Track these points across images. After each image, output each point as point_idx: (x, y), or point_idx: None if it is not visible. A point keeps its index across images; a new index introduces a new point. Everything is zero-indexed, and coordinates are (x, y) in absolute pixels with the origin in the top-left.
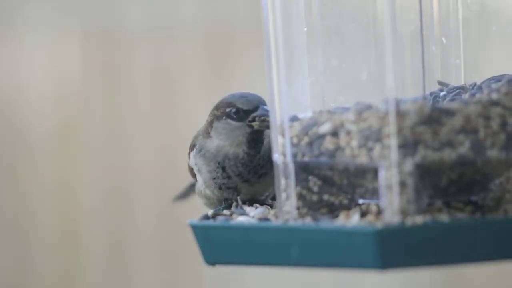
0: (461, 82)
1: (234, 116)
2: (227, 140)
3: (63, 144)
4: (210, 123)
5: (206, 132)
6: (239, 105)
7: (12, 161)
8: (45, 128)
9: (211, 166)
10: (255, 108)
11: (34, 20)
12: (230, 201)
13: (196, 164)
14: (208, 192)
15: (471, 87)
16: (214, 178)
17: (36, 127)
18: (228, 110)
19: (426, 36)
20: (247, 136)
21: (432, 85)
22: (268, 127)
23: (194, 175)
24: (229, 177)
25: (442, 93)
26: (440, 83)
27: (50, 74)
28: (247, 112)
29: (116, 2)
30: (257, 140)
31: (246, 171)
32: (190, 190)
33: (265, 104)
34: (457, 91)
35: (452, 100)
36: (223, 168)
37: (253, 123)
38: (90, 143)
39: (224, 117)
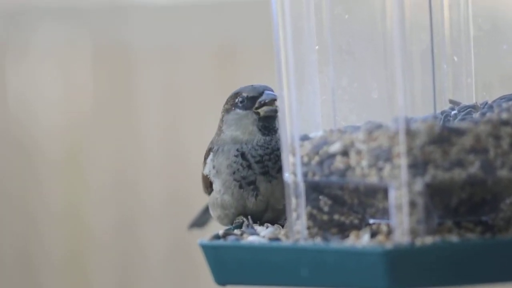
0: (473, 101)
1: (241, 105)
2: (238, 130)
3: (72, 167)
4: (221, 119)
5: (219, 129)
6: (244, 94)
7: (21, 185)
8: (54, 150)
9: (230, 158)
10: (260, 94)
11: (45, 38)
12: (241, 221)
13: (214, 167)
14: (226, 198)
15: (482, 106)
16: (234, 173)
17: (46, 148)
18: (236, 100)
19: (438, 54)
20: (256, 123)
21: (443, 104)
22: (276, 112)
23: (208, 187)
24: (249, 166)
25: (453, 112)
26: (451, 101)
27: (60, 92)
28: (253, 99)
29: (127, 19)
30: (267, 127)
31: (266, 155)
32: (205, 216)
33: (271, 90)
34: (468, 110)
35: (463, 119)
36: (243, 154)
37: (260, 110)
38: (99, 160)
39: (232, 108)
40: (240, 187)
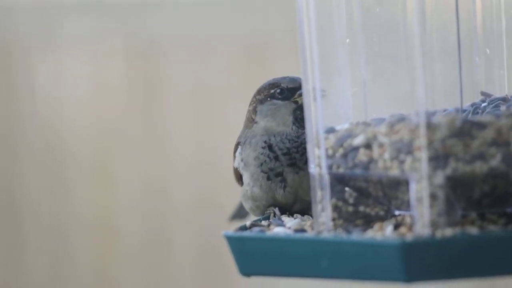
0: (505, 93)
1: (280, 96)
2: (273, 121)
3: (102, 171)
4: (254, 110)
5: (250, 121)
6: (284, 85)
7: (50, 191)
8: (84, 155)
9: (257, 150)
10: (300, 86)
11: (76, 34)
12: (271, 212)
13: (242, 160)
14: (255, 190)
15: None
16: (262, 164)
17: (76, 153)
18: (272, 91)
19: (469, 46)
20: (293, 113)
21: (475, 96)
22: None
23: (239, 180)
24: (276, 158)
25: (483, 105)
26: (483, 93)
27: (91, 92)
28: (292, 90)
29: (157, 15)
30: (303, 117)
31: (293, 148)
32: (241, 210)
33: None
34: (497, 102)
35: (490, 112)
36: (270, 147)
37: (298, 99)
38: (129, 163)
39: (268, 99)
40: (268, 178)
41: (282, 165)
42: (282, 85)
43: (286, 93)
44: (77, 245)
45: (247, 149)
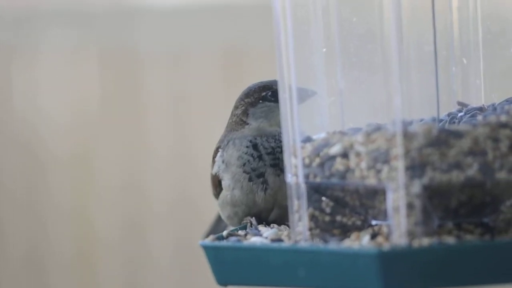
0: (481, 103)
1: (272, 98)
2: (267, 122)
3: (80, 167)
4: (244, 112)
5: (239, 124)
6: (275, 87)
7: (29, 185)
8: (62, 151)
9: (241, 150)
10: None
11: (52, 41)
12: (248, 222)
13: (223, 161)
14: (235, 193)
15: (488, 108)
16: (244, 164)
17: (53, 149)
18: (264, 94)
19: (446, 56)
20: None
21: (452, 106)
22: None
23: (217, 187)
24: (259, 157)
25: (460, 114)
26: (459, 103)
27: (67, 95)
28: None
29: (133, 23)
30: None
31: (278, 147)
32: (219, 225)
33: None
34: (474, 112)
35: (467, 121)
36: (255, 146)
37: None
38: (106, 163)
39: (260, 101)
40: (250, 179)
41: (265, 165)
42: (274, 87)
43: (277, 95)
44: (55, 236)
45: (229, 150)
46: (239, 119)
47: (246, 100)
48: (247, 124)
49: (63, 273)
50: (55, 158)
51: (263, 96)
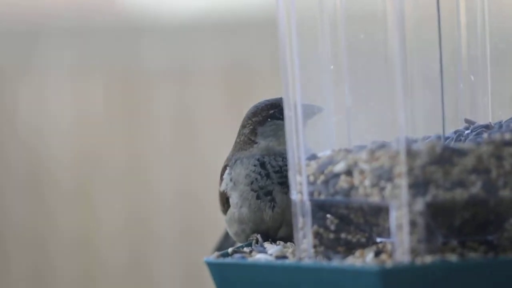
0: (488, 120)
1: (280, 116)
2: (276, 140)
3: (83, 197)
4: (252, 131)
5: (247, 143)
6: (282, 105)
7: (32, 213)
8: (67, 178)
9: (249, 168)
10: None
11: (57, 59)
12: (254, 239)
13: (231, 180)
14: (243, 211)
15: (495, 126)
16: (252, 182)
17: (58, 176)
18: (271, 112)
19: (454, 73)
20: None
21: (459, 123)
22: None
23: (224, 203)
24: (267, 175)
25: (466, 132)
26: (466, 121)
27: (72, 114)
28: None
29: (138, 42)
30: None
31: (285, 166)
32: (227, 241)
33: None
34: (480, 129)
35: (472, 139)
36: (263, 164)
37: None
38: (111, 182)
39: (268, 119)
40: (258, 197)
41: (273, 183)
42: (281, 105)
43: None
44: (59, 268)
45: (237, 168)
46: (247, 138)
47: (254, 119)
48: (256, 143)
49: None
50: (58, 186)
51: (271, 114)
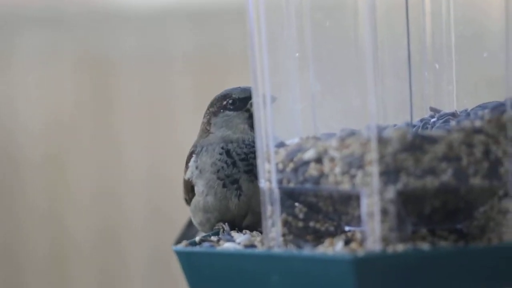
0: (453, 108)
1: (231, 107)
2: (229, 130)
3: (54, 170)
4: (208, 122)
5: (205, 132)
6: (235, 95)
7: (4, 186)
8: (36, 154)
9: (215, 156)
10: (251, 95)
11: (26, 47)
12: (220, 228)
13: (197, 167)
14: (209, 199)
15: (461, 114)
16: (218, 171)
17: (28, 152)
18: (224, 103)
19: (419, 62)
20: (247, 121)
21: (425, 111)
22: None
23: (189, 192)
24: (233, 164)
25: (432, 120)
26: (432, 109)
27: (41, 100)
28: (244, 100)
29: (108, 29)
30: None
31: (251, 153)
32: (190, 231)
33: None
34: (447, 117)
35: (440, 126)
36: (228, 152)
37: (250, 108)
38: (81, 168)
39: (221, 110)
40: (224, 186)
41: (239, 171)
42: (233, 96)
43: (237, 103)
44: (30, 237)
45: (203, 156)
46: (205, 127)
47: (210, 109)
48: (211, 133)
49: (37, 273)
50: (29, 161)
51: (224, 105)
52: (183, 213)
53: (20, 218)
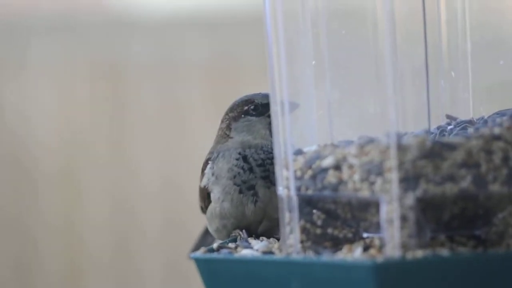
0: (469, 116)
1: (254, 112)
2: (249, 136)
3: (69, 182)
4: (228, 127)
5: (223, 137)
6: (257, 101)
7: (18, 198)
8: (51, 167)
9: (231, 162)
10: None
11: (43, 53)
12: (237, 235)
13: (213, 174)
14: (225, 205)
15: (478, 121)
16: (235, 176)
17: (42, 165)
18: (246, 108)
19: (435, 70)
20: (269, 127)
21: (441, 119)
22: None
23: (205, 199)
24: (250, 169)
25: (449, 127)
26: (448, 116)
27: (56, 111)
28: (266, 106)
29: (123, 36)
30: None
31: (268, 159)
32: (206, 240)
33: None
34: (464, 125)
35: (459, 133)
36: (245, 158)
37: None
38: (95, 181)
39: (242, 115)
40: (240, 192)
41: (256, 177)
42: (256, 101)
43: (260, 109)
44: (44, 252)
45: (219, 162)
46: (223, 132)
47: (230, 114)
48: (231, 137)
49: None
50: (44, 174)
51: (245, 111)
52: (198, 224)
53: (35, 232)
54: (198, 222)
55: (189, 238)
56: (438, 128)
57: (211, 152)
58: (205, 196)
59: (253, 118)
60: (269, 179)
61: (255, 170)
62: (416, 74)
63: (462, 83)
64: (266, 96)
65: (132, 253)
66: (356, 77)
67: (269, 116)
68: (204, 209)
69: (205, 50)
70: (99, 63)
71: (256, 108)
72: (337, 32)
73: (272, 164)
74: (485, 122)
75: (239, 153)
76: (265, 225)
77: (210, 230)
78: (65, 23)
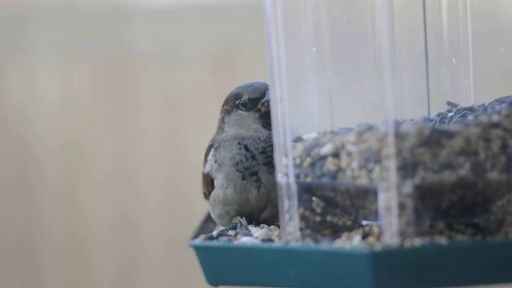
0: (471, 103)
1: (243, 108)
2: (242, 129)
3: (71, 156)
4: (222, 119)
5: (220, 129)
6: (246, 96)
7: (22, 173)
8: (54, 140)
9: (233, 151)
10: (262, 95)
11: (44, 42)
12: (237, 222)
13: (216, 161)
14: (228, 192)
15: (478, 108)
16: (237, 164)
17: (45, 139)
18: (237, 102)
19: (436, 57)
20: (258, 120)
21: (441, 106)
22: None
23: (209, 185)
24: (253, 157)
25: (449, 114)
26: (449, 103)
27: (59, 97)
28: (255, 100)
29: (125, 25)
30: (269, 123)
31: (268, 147)
32: (207, 226)
33: None
34: (464, 112)
35: (458, 121)
36: (246, 147)
37: (261, 107)
38: (97, 165)
39: (234, 109)
40: (243, 178)
41: (258, 164)
42: (244, 96)
43: (248, 104)
44: (48, 221)
45: (221, 151)
46: (220, 124)
47: (224, 107)
48: (225, 131)
49: (55, 256)
50: (47, 148)
51: (236, 105)
52: (200, 196)
53: (39, 203)
54: (201, 194)
55: (191, 209)
56: (438, 115)
57: (213, 139)
58: (209, 182)
59: (243, 113)
60: (272, 165)
61: (257, 157)
62: (416, 61)
63: (463, 70)
64: (256, 89)
65: (135, 223)
66: (356, 64)
67: (258, 111)
68: (207, 195)
69: (207, 38)
70: (101, 52)
71: (245, 104)
72: (338, 19)
73: (273, 151)
74: (485, 109)
75: (239, 143)
76: (268, 211)
77: (213, 216)
78: (69, 10)
